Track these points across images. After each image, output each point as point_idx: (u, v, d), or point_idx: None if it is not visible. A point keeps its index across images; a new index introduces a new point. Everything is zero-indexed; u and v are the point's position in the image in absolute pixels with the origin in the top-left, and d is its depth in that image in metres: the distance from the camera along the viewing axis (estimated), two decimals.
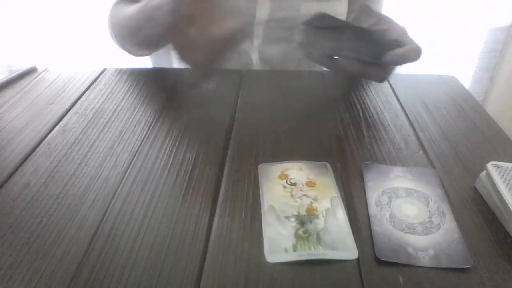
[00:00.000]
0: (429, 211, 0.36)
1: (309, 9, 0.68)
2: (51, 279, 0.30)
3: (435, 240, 0.33)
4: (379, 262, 0.31)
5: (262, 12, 0.69)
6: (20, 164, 0.42)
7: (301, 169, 0.42)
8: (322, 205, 0.37)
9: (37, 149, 0.45)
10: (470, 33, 1.40)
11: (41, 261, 0.31)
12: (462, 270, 0.31)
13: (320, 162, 0.43)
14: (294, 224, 0.35)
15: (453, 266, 0.31)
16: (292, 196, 0.38)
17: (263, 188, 0.39)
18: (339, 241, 0.33)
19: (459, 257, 0.32)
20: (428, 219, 0.35)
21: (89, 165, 0.42)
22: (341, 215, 0.36)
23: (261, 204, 0.37)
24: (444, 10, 1.34)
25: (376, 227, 0.34)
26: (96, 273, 0.30)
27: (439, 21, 1.36)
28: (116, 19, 0.65)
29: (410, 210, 0.36)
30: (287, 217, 0.35)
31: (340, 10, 0.72)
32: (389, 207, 0.36)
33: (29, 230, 0.34)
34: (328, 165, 0.42)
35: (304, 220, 0.35)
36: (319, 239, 0.33)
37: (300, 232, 0.34)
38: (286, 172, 0.41)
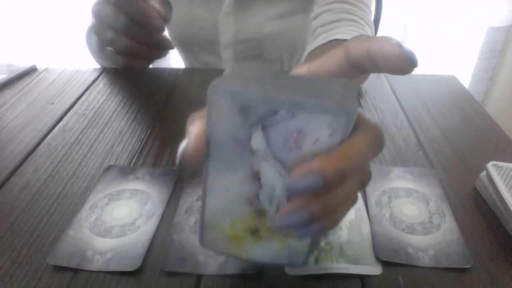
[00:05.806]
0: (429, 211, 0.36)
1: (272, 29, 0.70)
2: (51, 279, 0.30)
3: (435, 240, 0.33)
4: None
5: (228, 35, 0.71)
6: (20, 164, 0.42)
7: None
8: (346, 216, 0.35)
9: (37, 149, 0.45)
10: (470, 33, 1.40)
11: (41, 261, 0.31)
12: (462, 270, 0.31)
13: None
14: None
15: (453, 266, 0.31)
16: None
17: None
18: (363, 256, 0.32)
19: (459, 257, 0.32)
20: (428, 219, 0.35)
21: (89, 165, 0.42)
22: (366, 228, 0.34)
23: None
24: (444, 10, 1.34)
25: (376, 227, 0.34)
26: (96, 273, 0.30)
27: (439, 21, 1.36)
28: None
29: (410, 210, 0.36)
30: None
31: (300, 26, 0.71)
32: (389, 207, 0.36)
33: (29, 230, 0.34)
34: None
35: None
36: (342, 253, 0.32)
37: (322, 243, 0.32)
38: None
